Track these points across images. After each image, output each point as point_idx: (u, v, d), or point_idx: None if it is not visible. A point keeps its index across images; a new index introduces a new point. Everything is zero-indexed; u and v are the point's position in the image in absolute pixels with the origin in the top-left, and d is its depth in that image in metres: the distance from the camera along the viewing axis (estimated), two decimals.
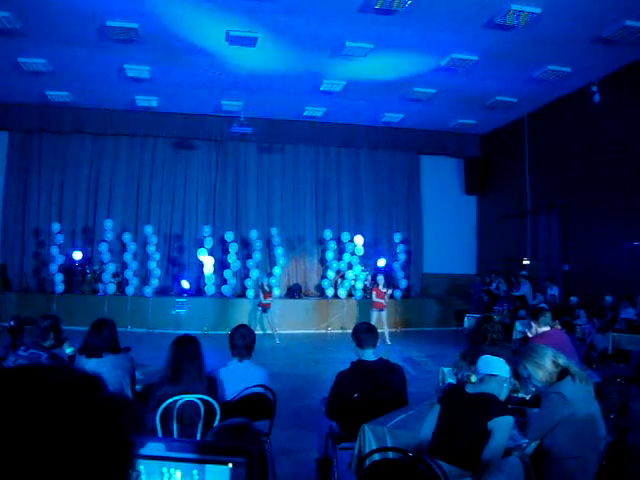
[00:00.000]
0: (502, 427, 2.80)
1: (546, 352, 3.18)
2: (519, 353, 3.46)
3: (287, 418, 6.14)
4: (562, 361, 3.15)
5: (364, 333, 4.09)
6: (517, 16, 8.62)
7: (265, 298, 12.27)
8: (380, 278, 12.57)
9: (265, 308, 12.28)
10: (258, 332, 12.46)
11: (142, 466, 1.05)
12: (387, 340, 11.72)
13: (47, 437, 0.64)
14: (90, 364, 3.93)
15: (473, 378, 3.63)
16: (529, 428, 3.09)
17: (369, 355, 4.05)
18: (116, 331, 4.30)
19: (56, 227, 13.94)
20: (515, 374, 3.27)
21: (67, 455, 0.64)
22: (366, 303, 14.20)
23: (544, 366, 3.12)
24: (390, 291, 12.65)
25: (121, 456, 0.70)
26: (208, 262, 14.25)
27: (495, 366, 3.05)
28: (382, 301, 12.10)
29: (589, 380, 3.22)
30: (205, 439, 2.85)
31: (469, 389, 3.07)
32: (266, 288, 12.46)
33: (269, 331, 12.48)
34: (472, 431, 2.85)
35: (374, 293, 12.37)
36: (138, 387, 4.41)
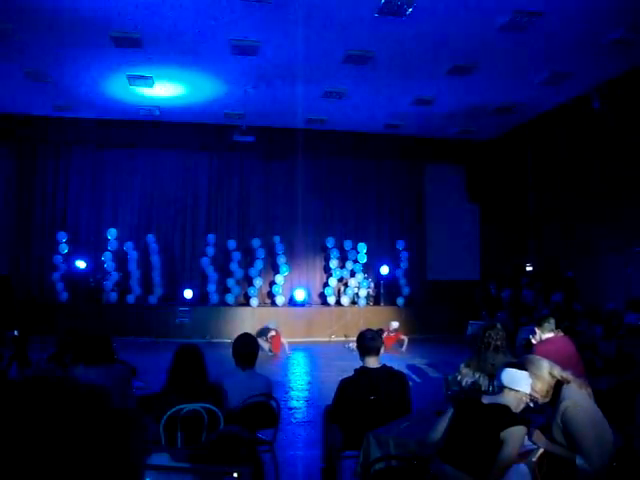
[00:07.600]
0: (514, 437, 2.83)
1: (542, 363, 3.26)
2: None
3: (291, 427, 6.12)
4: (557, 372, 3.22)
5: (368, 340, 4.09)
6: (518, 23, 8.65)
7: (273, 345, 11.21)
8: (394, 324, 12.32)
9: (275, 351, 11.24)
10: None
11: (148, 478, 1.05)
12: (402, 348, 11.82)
13: (59, 449, 0.65)
14: (89, 373, 3.91)
15: (482, 385, 3.62)
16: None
17: (373, 362, 4.05)
18: (110, 341, 4.32)
19: (60, 237, 13.99)
20: None
21: (79, 467, 0.65)
22: (369, 311, 14.17)
23: (542, 377, 3.18)
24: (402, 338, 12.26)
25: (131, 468, 0.70)
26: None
27: (518, 381, 3.04)
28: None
29: (587, 386, 3.29)
30: (204, 448, 2.85)
31: (485, 399, 3.07)
32: (273, 333, 11.36)
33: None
34: (484, 440, 2.85)
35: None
36: (140, 393, 4.44)
